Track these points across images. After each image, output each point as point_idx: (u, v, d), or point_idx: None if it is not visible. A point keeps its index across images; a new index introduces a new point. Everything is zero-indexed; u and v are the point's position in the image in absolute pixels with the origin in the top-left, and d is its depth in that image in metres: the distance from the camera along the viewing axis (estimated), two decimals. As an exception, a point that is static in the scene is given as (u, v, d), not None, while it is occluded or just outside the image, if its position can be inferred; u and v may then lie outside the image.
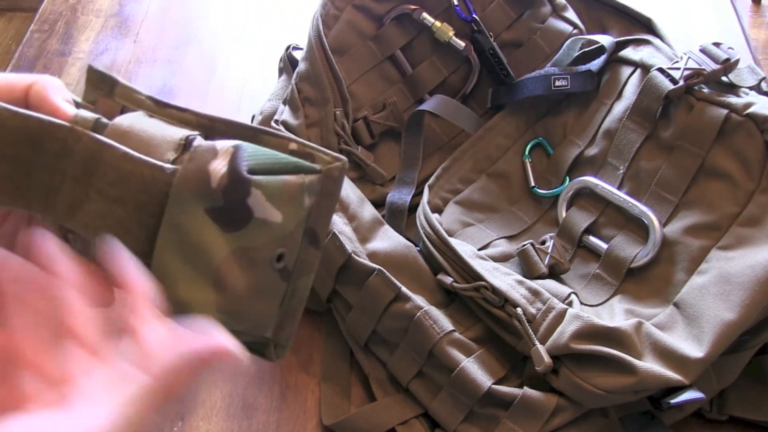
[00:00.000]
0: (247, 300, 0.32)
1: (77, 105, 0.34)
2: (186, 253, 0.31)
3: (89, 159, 0.31)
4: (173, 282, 0.31)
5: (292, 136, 0.33)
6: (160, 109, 0.34)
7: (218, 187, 0.30)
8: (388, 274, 0.54)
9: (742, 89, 0.59)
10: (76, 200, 0.31)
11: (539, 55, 0.68)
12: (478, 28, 0.67)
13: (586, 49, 0.65)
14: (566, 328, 0.50)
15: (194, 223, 0.31)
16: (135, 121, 0.33)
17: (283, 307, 0.34)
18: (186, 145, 0.32)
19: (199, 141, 0.32)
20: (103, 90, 0.35)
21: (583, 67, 0.64)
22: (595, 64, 0.64)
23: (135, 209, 0.31)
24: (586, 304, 0.56)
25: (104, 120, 0.33)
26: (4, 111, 0.31)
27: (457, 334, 0.53)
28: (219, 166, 0.30)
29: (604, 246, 0.59)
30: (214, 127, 0.33)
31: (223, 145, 0.31)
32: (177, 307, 0.31)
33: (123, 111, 0.35)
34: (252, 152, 0.31)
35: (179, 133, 0.32)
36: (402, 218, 0.62)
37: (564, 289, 0.55)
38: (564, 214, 0.61)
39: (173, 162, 0.31)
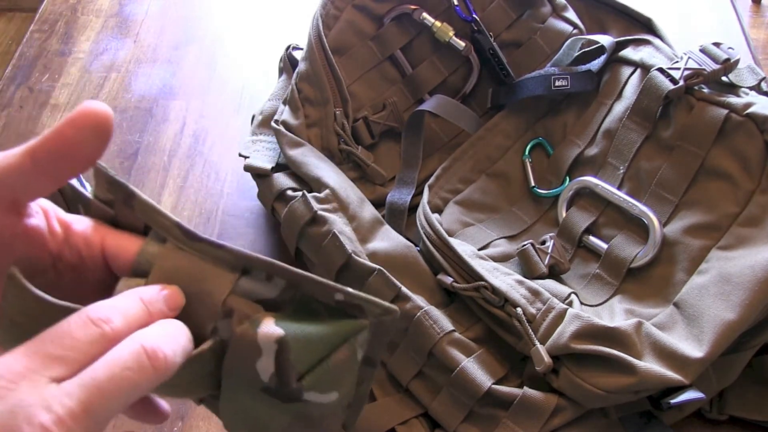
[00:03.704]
0: None
1: (88, 202, 0.33)
2: (251, 420, 0.32)
3: None
4: None
5: (339, 285, 0.31)
6: (190, 242, 0.32)
7: (270, 382, 0.30)
8: (388, 274, 0.54)
9: (742, 89, 0.59)
10: None
11: (539, 55, 0.68)
12: (478, 28, 0.67)
13: (586, 49, 0.65)
14: (566, 328, 0.50)
15: (253, 400, 0.31)
16: (169, 281, 0.31)
17: (348, 413, 0.35)
18: (226, 313, 0.31)
19: (237, 322, 0.30)
20: (117, 195, 0.33)
21: (583, 67, 0.64)
22: (595, 64, 0.64)
23: (187, 385, 0.31)
24: (586, 304, 0.56)
25: None
26: (44, 302, 0.30)
27: (457, 334, 0.53)
28: (266, 366, 0.30)
29: (604, 246, 0.59)
30: (252, 267, 0.32)
31: (265, 333, 0.29)
32: None
33: (146, 227, 0.33)
34: (298, 346, 0.30)
35: (216, 294, 0.31)
36: (402, 218, 0.62)
37: (564, 289, 0.55)
38: (564, 214, 0.61)
39: (212, 331, 0.31)
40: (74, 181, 0.33)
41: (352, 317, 0.31)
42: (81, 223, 0.33)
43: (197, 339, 0.31)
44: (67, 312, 0.29)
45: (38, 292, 0.29)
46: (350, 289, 0.31)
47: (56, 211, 0.32)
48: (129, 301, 0.30)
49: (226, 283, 0.31)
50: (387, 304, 0.31)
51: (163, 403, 0.37)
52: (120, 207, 0.33)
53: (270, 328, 0.29)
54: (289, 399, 0.31)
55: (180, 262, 0.32)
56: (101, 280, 0.33)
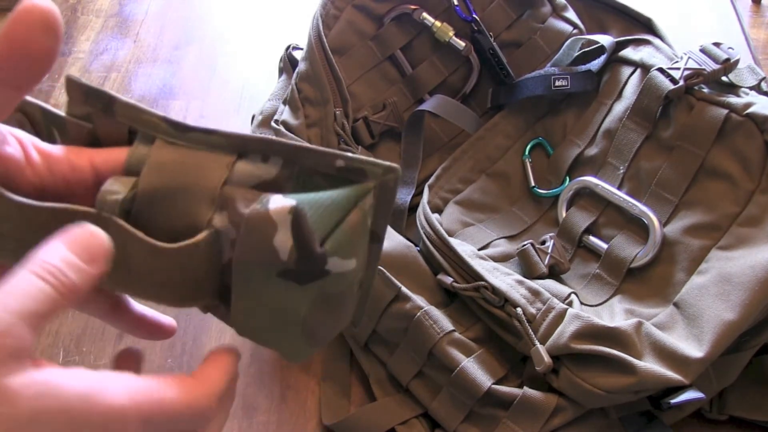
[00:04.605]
0: (336, 328, 0.33)
1: (63, 121, 0.32)
2: (267, 314, 0.31)
3: (121, 247, 0.30)
4: (264, 341, 0.32)
5: (338, 151, 0.30)
6: (180, 133, 0.30)
7: (289, 259, 0.29)
8: (388, 273, 0.54)
9: (742, 89, 0.59)
10: (121, 279, 0.31)
11: (539, 55, 0.68)
12: (478, 28, 0.67)
13: (586, 49, 0.65)
14: (566, 328, 0.50)
15: (269, 288, 0.30)
16: (162, 174, 0.30)
17: (360, 296, 0.34)
18: (223, 204, 0.30)
19: (243, 206, 0.29)
20: (96, 106, 0.31)
21: (583, 67, 0.64)
22: (595, 64, 0.64)
23: (182, 286, 0.30)
24: (586, 304, 0.56)
25: (130, 194, 0.30)
26: (27, 207, 0.29)
27: (457, 334, 0.53)
28: (283, 240, 0.28)
29: (604, 246, 0.59)
30: (247, 147, 0.31)
31: (278, 208, 0.28)
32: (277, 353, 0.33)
33: (131, 131, 0.32)
34: (313, 213, 0.29)
35: (213, 178, 0.30)
36: (402, 218, 0.62)
37: (564, 289, 0.55)
38: (564, 214, 0.61)
39: (208, 223, 0.29)
40: (46, 105, 0.32)
41: (356, 182, 0.30)
42: (62, 150, 0.31)
43: (193, 234, 0.30)
44: (54, 213, 0.28)
45: (17, 197, 0.28)
46: (350, 154, 0.30)
47: (33, 141, 0.31)
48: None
49: (222, 165, 0.30)
50: (387, 163, 0.30)
51: (168, 319, 0.37)
52: (100, 118, 0.31)
53: (280, 201, 0.28)
54: (310, 276, 0.29)
55: (172, 155, 0.30)
56: (91, 204, 0.31)
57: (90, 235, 0.29)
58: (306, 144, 0.30)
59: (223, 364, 0.31)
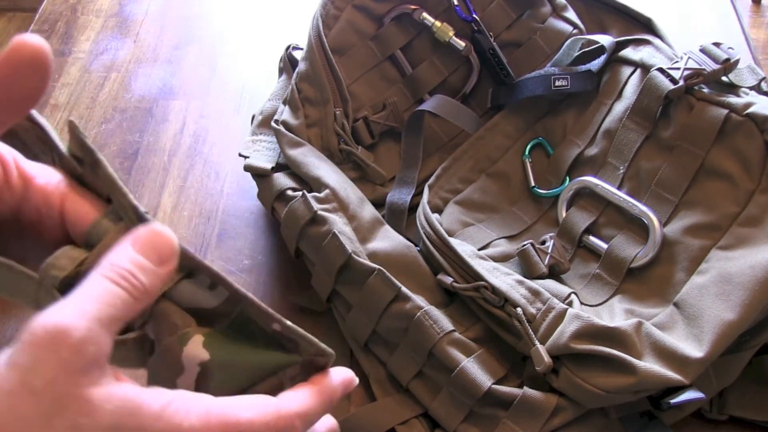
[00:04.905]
0: None
1: (62, 156, 0.32)
2: None
3: None
4: None
5: (278, 316, 0.31)
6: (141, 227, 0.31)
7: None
8: (388, 274, 0.54)
9: (742, 89, 0.59)
10: None
11: (539, 55, 0.68)
12: (478, 28, 0.67)
13: (586, 49, 0.65)
14: (566, 328, 0.50)
15: None
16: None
17: None
18: (156, 316, 0.30)
19: (167, 332, 0.30)
20: (86, 158, 0.32)
21: (583, 67, 0.64)
22: (595, 64, 0.64)
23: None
24: (586, 304, 0.56)
25: (73, 272, 0.30)
26: None
27: (457, 334, 0.53)
28: (186, 384, 0.29)
29: (604, 246, 0.59)
30: (197, 272, 0.31)
31: (190, 355, 0.29)
32: None
33: (110, 198, 0.32)
34: (220, 375, 0.30)
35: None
36: (402, 218, 0.62)
37: (564, 289, 0.55)
38: (564, 214, 0.61)
39: (140, 326, 0.30)
40: (52, 132, 0.33)
41: (286, 350, 0.31)
42: (43, 178, 0.31)
43: (125, 327, 0.30)
44: (1, 265, 0.29)
45: None
46: (289, 323, 0.31)
47: (18, 162, 0.31)
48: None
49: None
50: (323, 345, 0.31)
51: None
52: (88, 169, 0.32)
53: (196, 349, 0.29)
54: None
55: None
56: (59, 242, 0.31)
57: (156, 235, 0.29)
58: (251, 297, 0.30)
59: (317, 385, 0.31)
